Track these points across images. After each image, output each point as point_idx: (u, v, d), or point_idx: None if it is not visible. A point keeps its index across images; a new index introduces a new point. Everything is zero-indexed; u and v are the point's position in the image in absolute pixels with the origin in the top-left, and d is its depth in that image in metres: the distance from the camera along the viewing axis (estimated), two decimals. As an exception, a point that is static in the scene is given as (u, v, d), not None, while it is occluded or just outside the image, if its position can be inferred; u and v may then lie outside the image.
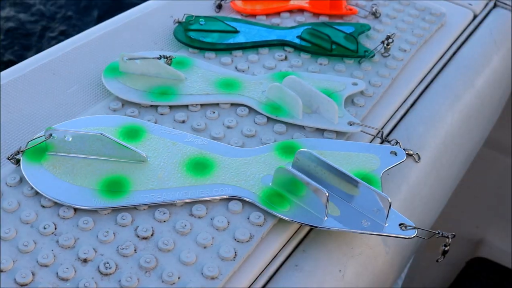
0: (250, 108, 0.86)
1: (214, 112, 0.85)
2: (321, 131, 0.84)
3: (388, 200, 0.68)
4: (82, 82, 0.90)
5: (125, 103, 0.86)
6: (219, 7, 1.10)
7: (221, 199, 0.73)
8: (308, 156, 0.73)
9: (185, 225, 0.69)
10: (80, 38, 1.00)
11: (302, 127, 0.84)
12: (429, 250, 0.81)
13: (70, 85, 0.90)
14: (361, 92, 0.91)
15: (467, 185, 1.04)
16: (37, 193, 0.71)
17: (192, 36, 0.99)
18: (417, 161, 0.86)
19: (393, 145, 0.84)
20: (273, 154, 0.78)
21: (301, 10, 1.10)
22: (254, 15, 1.08)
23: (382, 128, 0.89)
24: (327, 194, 0.68)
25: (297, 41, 1.00)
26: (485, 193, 1.68)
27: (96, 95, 0.88)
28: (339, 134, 0.84)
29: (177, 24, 1.02)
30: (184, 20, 1.01)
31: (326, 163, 0.72)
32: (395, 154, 0.80)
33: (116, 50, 0.97)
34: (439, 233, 0.71)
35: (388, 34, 0.97)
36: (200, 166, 0.76)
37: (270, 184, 0.74)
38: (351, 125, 0.83)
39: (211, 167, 0.76)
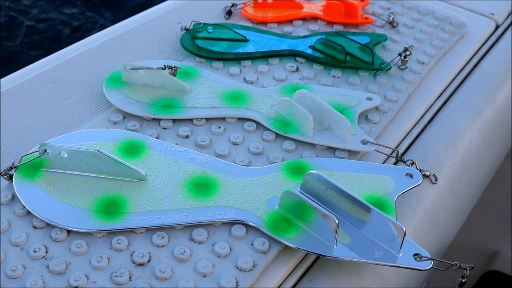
0: (257, 123, 0.82)
1: (219, 127, 0.80)
2: (332, 150, 0.79)
3: (403, 230, 0.63)
4: (82, 92, 0.86)
5: (127, 115, 0.82)
6: (229, 13, 1.05)
7: (224, 223, 0.68)
8: (318, 178, 0.69)
9: (184, 251, 0.64)
10: (83, 45, 0.96)
11: (313, 145, 0.79)
12: (444, 276, 0.76)
13: (70, 95, 0.86)
14: (376, 108, 0.86)
15: (482, 197, 0.99)
16: (29, 212, 0.67)
17: (199, 45, 0.94)
18: (433, 183, 0.81)
19: (408, 165, 0.79)
20: (280, 174, 0.74)
21: (314, 18, 1.05)
22: (265, 23, 1.03)
23: (397, 147, 0.84)
24: (337, 222, 0.63)
25: (310, 51, 0.95)
26: (500, 205, 1.62)
27: (97, 106, 0.84)
28: (352, 153, 0.79)
29: (184, 32, 0.98)
30: (191, 27, 0.97)
31: (337, 187, 0.67)
32: (411, 176, 0.75)
33: (120, 58, 0.93)
34: (456, 264, 0.66)
35: (406, 46, 0.92)
36: (202, 187, 0.71)
37: (277, 207, 0.69)
38: (364, 144, 0.78)
39: (214, 187, 0.71)
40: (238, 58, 0.93)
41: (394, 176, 0.75)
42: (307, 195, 0.71)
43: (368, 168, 0.76)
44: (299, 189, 0.72)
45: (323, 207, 0.67)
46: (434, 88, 0.94)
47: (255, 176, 0.73)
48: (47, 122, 0.80)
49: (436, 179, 0.81)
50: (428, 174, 0.80)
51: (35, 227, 0.66)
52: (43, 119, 0.81)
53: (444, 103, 0.94)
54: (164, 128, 0.80)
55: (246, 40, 0.96)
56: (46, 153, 0.70)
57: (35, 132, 0.79)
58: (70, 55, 0.93)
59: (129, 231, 0.66)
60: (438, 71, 0.97)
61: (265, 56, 0.94)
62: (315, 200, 0.70)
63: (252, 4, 1.05)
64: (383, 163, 0.81)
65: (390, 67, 0.92)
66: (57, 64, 0.91)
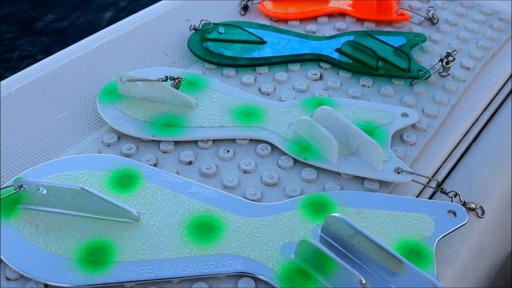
0: (273, 146, 0.70)
1: (228, 151, 0.69)
2: (360, 179, 0.67)
3: None
4: (75, 105, 0.75)
5: (122, 136, 0.71)
6: (245, 8, 0.93)
7: (229, 276, 0.57)
8: (341, 224, 0.57)
9: (181, 314, 0.53)
10: (78, 49, 0.85)
11: (337, 173, 0.67)
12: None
13: (61, 109, 0.75)
14: (413, 126, 0.73)
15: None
16: (1, 260, 0.57)
17: (209, 47, 0.82)
18: (480, 216, 0.68)
19: (451, 197, 0.67)
20: (298, 212, 0.62)
21: (342, 15, 0.92)
22: (285, 20, 0.90)
23: (437, 172, 0.71)
24: (363, 281, 0.52)
25: (336, 55, 0.82)
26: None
27: (90, 122, 0.74)
28: (384, 183, 0.67)
29: (193, 32, 0.86)
30: (200, 27, 0.85)
31: (364, 235, 0.56)
32: (454, 214, 0.63)
33: (119, 64, 0.82)
34: None
35: (449, 51, 0.79)
36: (205, 229, 0.60)
37: (292, 256, 0.57)
38: (398, 172, 0.66)
39: (218, 230, 0.60)
40: (252, 65, 0.81)
41: (434, 214, 0.63)
42: (329, 239, 0.59)
43: (402, 204, 0.64)
44: (320, 231, 0.60)
45: (348, 256, 0.55)
46: (481, 98, 0.81)
47: (268, 215, 0.62)
48: (34, 142, 0.70)
49: (483, 212, 0.68)
50: (474, 206, 0.68)
51: (8, 279, 0.56)
52: (29, 138, 0.70)
53: (492, 115, 0.81)
54: (164, 152, 0.69)
55: (262, 42, 0.84)
56: (22, 188, 0.60)
57: (19, 155, 0.68)
58: (63, 61, 0.82)
59: (117, 286, 0.56)
60: (485, 78, 0.84)
61: (284, 61, 0.82)
62: (338, 247, 0.58)
63: (271, -2, 0.92)
64: (420, 193, 0.69)
65: (430, 75, 0.79)
66: (48, 71, 0.80)
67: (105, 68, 0.81)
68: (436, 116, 0.76)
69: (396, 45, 0.83)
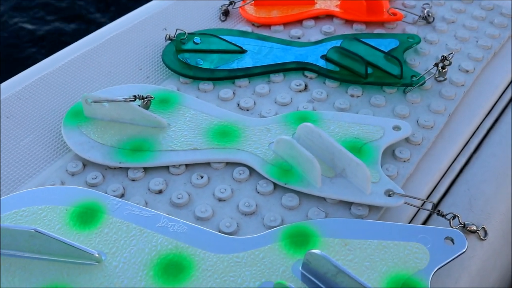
0: (251, 169, 0.63)
1: (202, 177, 0.63)
2: (347, 204, 0.60)
3: None
4: (40, 130, 0.70)
5: (88, 163, 0.65)
6: (226, 14, 0.86)
7: (200, 323, 0.51)
8: (322, 261, 0.51)
9: None
10: (45, 66, 0.79)
11: (322, 198, 0.61)
12: None
13: (26, 134, 0.69)
14: (406, 139, 0.67)
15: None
16: None
17: (184, 60, 0.76)
18: (482, 239, 0.61)
19: (449, 219, 0.60)
20: (277, 246, 0.56)
21: (329, 17, 0.85)
22: (268, 25, 0.84)
23: (434, 189, 0.65)
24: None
25: (322, 63, 0.75)
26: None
27: (55, 149, 0.68)
28: (373, 207, 0.60)
29: (169, 42, 0.80)
30: (175, 37, 0.79)
31: (347, 275, 0.49)
32: (452, 241, 0.56)
33: (90, 81, 0.76)
34: None
35: (444, 54, 0.72)
36: (173, 269, 0.54)
37: (269, 299, 0.51)
38: (389, 195, 0.59)
39: (188, 270, 0.54)
40: (231, 77, 0.74)
41: (429, 243, 0.56)
42: (311, 277, 0.53)
43: (394, 232, 0.57)
44: (300, 268, 0.54)
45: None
46: (481, 104, 0.74)
47: (243, 250, 0.56)
48: (-6, 173, 0.65)
49: (485, 234, 0.62)
50: (475, 228, 0.61)
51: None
52: (-11, 168, 0.65)
53: (494, 122, 0.74)
54: (133, 180, 0.63)
55: (242, 51, 0.77)
56: (-30, 230, 0.54)
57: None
58: (29, 80, 0.76)
59: None
60: (486, 81, 0.77)
61: (265, 72, 0.75)
62: (321, 285, 0.52)
63: (252, 2, 0.86)
64: (415, 215, 0.62)
65: (424, 82, 0.72)
66: (13, 92, 0.74)
67: (74, 87, 0.75)
68: (432, 127, 0.69)
69: (388, 49, 0.76)
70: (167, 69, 0.77)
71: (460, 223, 0.61)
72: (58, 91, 0.74)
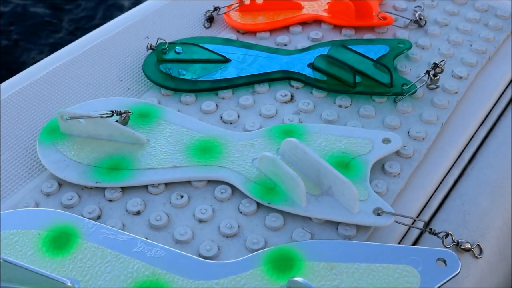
0: (233, 187, 0.60)
1: (182, 197, 0.60)
2: (334, 224, 0.57)
3: None
4: (14, 148, 0.67)
5: (63, 182, 0.62)
6: (210, 20, 0.83)
7: None
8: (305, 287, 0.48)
9: None
10: (22, 79, 0.76)
11: (308, 217, 0.58)
12: None
13: (1, 152, 0.66)
14: (396, 152, 0.64)
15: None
16: None
17: (166, 70, 0.73)
18: (477, 257, 0.59)
19: (441, 238, 0.57)
20: (259, 272, 0.53)
21: (317, 22, 0.82)
22: (254, 32, 0.81)
23: (426, 204, 0.62)
24: None
25: (308, 72, 0.72)
26: None
27: (31, 167, 0.65)
28: (361, 227, 0.57)
29: (150, 51, 0.77)
30: (156, 46, 0.76)
31: (333, 304, 0.46)
32: (445, 263, 0.53)
33: (68, 94, 0.73)
34: None
35: (436, 62, 0.69)
36: (149, 299, 0.51)
37: (250, 330, 0.49)
38: (378, 214, 0.56)
39: (165, 299, 0.51)
40: (214, 88, 0.71)
41: (420, 265, 0.54)
42: (295, 304, 0.50)
43: (382, 254, 0.54)
44: (284, 295, 0.51)
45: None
46: (476, 112, 0.71)
47: (224, 276, 0.53)
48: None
49: (481, 252, 0.59)
50: (470, 246, 0.58)
51: None
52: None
53: (490, 131, 0.71)
54: (110, 201, 0.60)
55: (226, 61, 0.74)
56: None
57: None
58: (5, 94, 0.73)
59: None
60: (480, 87, 0.74)
61: (250, 82, 0.72)
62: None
63: (237, 8, 0.82)
64: (406, 234, 0.59)
65: (416, 90, 0.69)
66: (-12, 107, 0.72)
67: (51, 101, 0.72)
68: (423, 138, 0.66)
69: (378, 55, 0.73)
70: (148, 80, 0.74)
71: (454, 242, 0.58)
72: (34, 106, 0.72)
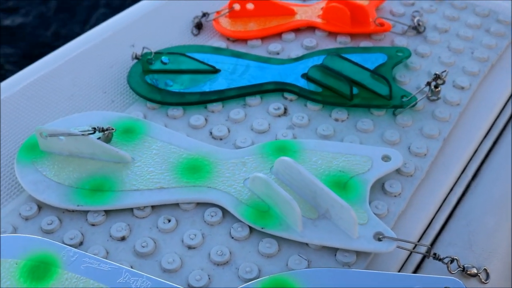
0: (224, 210, 0.57)
1: (169, 220, 0.56)
2: (332, 250, 0.54)
3: None
4: (-8, 167, 0.63)
5: (43, 205, 0.58)
6: (199, 27, 0.79)
7: None
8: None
9: None
10: (1, 90, 0.71)
11: (304, 243, 0.54)
12: None
13: (-23, 172, 0.62)
14: (397, 171, 0.60)
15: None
16: None
17: (153, 81, 0.69)
18: (484, 282, 0.55)
19: (446, 263, 0.54)
20: (253, 304, 0.49)
21: (311, 28, 0.78)
22: (245, 39, 0.77)
23: (429, 225, 0.59)
24: None
25: (302, 83, 0.69)
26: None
27: (9, 188, 0.61)
28: (362, 253, 0.54)
29: (136, 61, 0.73)
30: (142, 56, 0.72)
31: None
32: (451, 291, 0.50)
33: (49, 108, 0.69)
34: None
35: (437, 72, 0.65)
36: (134, 336, 0.47)
37: None
38: (379, 239, 0.53)
39: (151, 336, 0.47)
40: (203, 101, 0.67)
41: (425, 295, 0.50)
42: None
43: (384, 283, 0.51)
44: (279, 330, 0.47)
45: None
46: (479, 124, 0.67)
47: (215, 310, 0.49)
48: None
49: (487, 277, 0.56)
50: (476, 271, 0.55)
51: None
52: None
53: (494, 144, 0.67)
54: (92, 225, 0.57)
55: (215, 71, 0.70)
56: None
57: None
58: (-18, 108, 0.69)
59: None
60: (483, 98, 0.70)
61: (240, 94, 0.68)
62: None
63: (227, 14, 0.78)
64: (408, 258, 0.56)
65: (416, 103, 0.66)
66: (-37, 123, 0.67)
67: (31, 115, 0.68)
68: (425, 154, 0.62)
69: (375, 65, 0.70)
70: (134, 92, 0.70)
71: (459, 267, 0.54)
72: (12, 121, 0.67)
